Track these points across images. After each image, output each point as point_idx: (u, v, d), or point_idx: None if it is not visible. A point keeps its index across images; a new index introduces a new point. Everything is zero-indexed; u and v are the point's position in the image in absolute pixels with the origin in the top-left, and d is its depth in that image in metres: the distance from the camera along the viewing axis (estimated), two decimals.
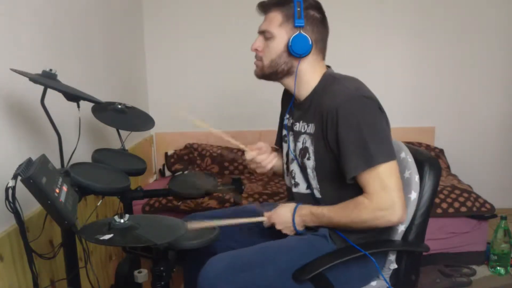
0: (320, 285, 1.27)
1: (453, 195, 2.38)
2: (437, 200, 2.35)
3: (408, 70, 3.16)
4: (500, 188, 3.18)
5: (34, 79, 1.28)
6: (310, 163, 1.35)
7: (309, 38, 1.30)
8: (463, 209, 2.34)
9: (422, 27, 3.10)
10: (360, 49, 3.10)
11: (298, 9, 1.29)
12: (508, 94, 3.18)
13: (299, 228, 1.36)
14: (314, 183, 1.36)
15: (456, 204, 2.35)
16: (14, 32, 1.46)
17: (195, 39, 3.10)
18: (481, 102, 3.18)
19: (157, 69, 3.14)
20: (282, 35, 1.32)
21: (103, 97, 1.66)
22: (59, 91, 1.37)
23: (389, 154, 1.24)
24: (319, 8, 1.34)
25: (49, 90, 1.36)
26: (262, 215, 1.43)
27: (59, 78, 1.41)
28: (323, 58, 1.39)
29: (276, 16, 1.32)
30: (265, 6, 1.36)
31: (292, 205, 1.39)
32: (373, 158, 1.22)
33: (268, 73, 1.37)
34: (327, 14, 1.36)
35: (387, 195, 1.22)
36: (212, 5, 3.07)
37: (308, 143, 1.35)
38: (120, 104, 1.69)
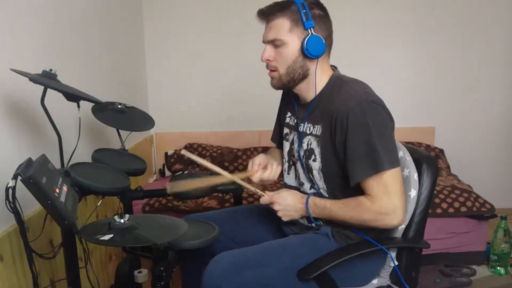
0: (324, 284, 1.28)
1: (453, 195, 2.38)
2: (437, 200, 2.36)
3: (408, 70, 3.17)
4: (500, 188, 3.18)
5: (34, 79, 1.28)
6: (316, 165, 1.35)
7: (322, 38, 1.29)
8: (463, 209, 2.34)
9: (422, 27, 3.10)
10: (360, 49, 3.10)
11: (304, 10, 1.27)
12: (508, 94, 3.18)
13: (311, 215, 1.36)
14: (321, 183, 1.36)
15: (456, 204, 2.35)
16: (14, 32, 1.46)
17: (195, 39, 3.10)
18: (481, 102, 3.19)
19: (157, 69, 3.14)
20: (294, 40, 1.30)
21: (103, 97, 1.66)
22: (59, 91, 1.37)
23: (395, 161, 1.26)
24: (320, 5, 1.33)
25: (49, 90, 1.36)
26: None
27: (59, 78, 1.41)
28: (329, 55, 1.38)
29: (284, 22, 1.30)
30: (266, 14, 1.32)
31: (295, 192, 1.39)
32: (380, 165, 1.23)
33: (286, 81, 1.35)
34: None
35: (390, 200, 1.24)
36: (212, 5, 3.07)
37: (314, 145, 1.35)
38: (120, 104, 1.69)
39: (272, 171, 1.47)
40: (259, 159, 1.50)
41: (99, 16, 2.24)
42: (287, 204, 1.35)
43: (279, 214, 1.37)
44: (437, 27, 3.09)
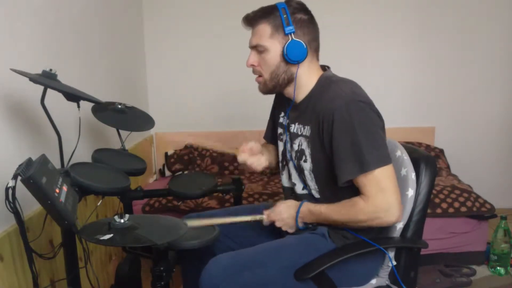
0: (322, 284, 1.28)
1: (453, 195, 2.38)
2: (437, 200, 2.36)
3: (408, 70, 3.16)
4: (500, 188, 3.18)
5: (34, 79, 1.28)
6: (307, 165, 1.35)
7: (302, 43, 1.29)
8: (463, 209, 2.34)
9: (423, 27, 3.10)
10: (360, 49, 3.10)
11: (285, 15, 1.28)
12: (508, 94, 3.18)
13: (299, 224, 1.38)
14: (312, 184, 1.37)
15: (456, 204, 2.35)
16: (14, 32, 1.47)
17: (195, 39, 3.10)
18: (481, 102, 3.18)
19: (157, 69, 3.14)
20: (275, 45, 1.31)
21: (103, 97, 1.66)
22: (59, 91, 1.37)
23: (384, 159, 1.25)
24: (304, 9, 1.33)
25: (49, 90, 1.36)
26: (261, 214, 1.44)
27: (59, 78, 1.41)
28: (318, 58, 1.38)
29: (265, 28, 1.31)
30: (250, 20, 1.34)
31: (291, 202, 1.40)
32: (367, 164, 1.22)
33: (271, 87, 1.37)
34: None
35: (384, 198, 1.23)
36: (212, 5, 3.07)
37: (304, 146, 1.35)
38: (120, 104, 1.69)
39: (258, 161, 1.49)
40: (253, 144, 1.52)
41: (99, 16, 2.24)
42: (283, 218, 1.38)
43: (283, 228, 1.40)
44: (437, 27, 3.09)
